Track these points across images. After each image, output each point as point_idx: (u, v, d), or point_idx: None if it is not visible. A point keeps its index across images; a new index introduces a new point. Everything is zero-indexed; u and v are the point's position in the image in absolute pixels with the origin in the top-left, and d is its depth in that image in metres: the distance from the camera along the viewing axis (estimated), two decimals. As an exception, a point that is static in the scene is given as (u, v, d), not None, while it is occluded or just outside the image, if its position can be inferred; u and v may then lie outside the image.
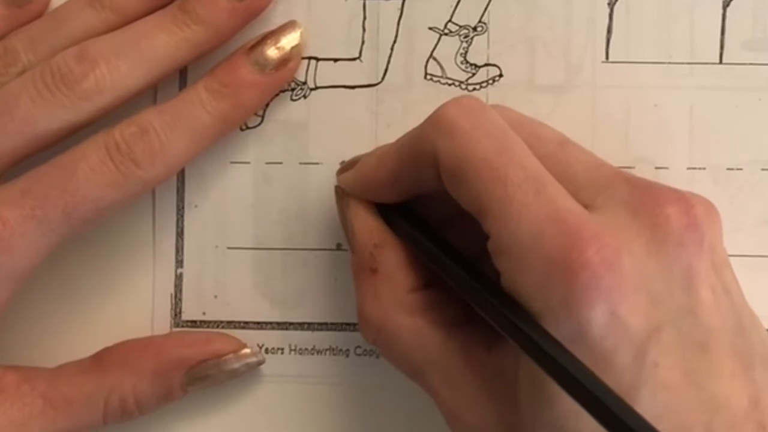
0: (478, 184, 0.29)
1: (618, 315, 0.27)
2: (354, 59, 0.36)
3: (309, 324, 0.36)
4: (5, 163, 0.33)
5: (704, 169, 0.36)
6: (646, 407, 0.27)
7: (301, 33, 0.35)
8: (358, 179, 0.34)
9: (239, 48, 0.35)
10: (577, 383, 0.26)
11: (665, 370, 0.27)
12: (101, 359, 0.35)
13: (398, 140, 0.33)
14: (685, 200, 0.29)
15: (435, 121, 0.31)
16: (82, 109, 0.33)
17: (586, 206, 0.29)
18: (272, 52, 0.35)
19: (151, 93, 0.36)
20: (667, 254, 0.28)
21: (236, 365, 0.35)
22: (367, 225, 0.33)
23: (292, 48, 0.35)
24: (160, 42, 0.33)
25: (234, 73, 0.34)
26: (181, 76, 0.36)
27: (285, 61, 0.35)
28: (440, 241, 0.32)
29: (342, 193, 0.34)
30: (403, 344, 0.32)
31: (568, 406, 0.27)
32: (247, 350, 0.36)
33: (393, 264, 0.32)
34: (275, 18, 0.36)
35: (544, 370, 0.27)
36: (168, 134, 0.33)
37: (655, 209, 0.29)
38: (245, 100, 0.34)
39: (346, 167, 0.35)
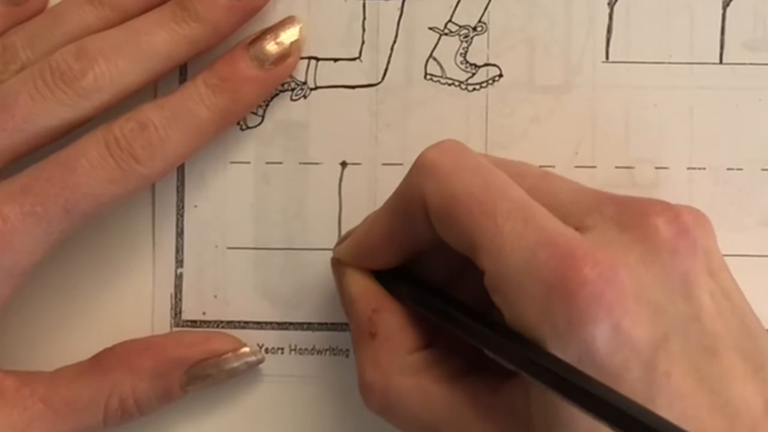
0: (468, 220, 0.29)
1: (622, 328, 0.27)
2: (354, 59, 0.36)
3: (309, 324, 0.36)
4: (5, 160, 0.33)
5: (704, 169, 0.36)
6: (664, 417, 0.26)
7: (301, 29, 0.35)
8: (352, 247, 0.33)
9: (238, 43, 0.35)
10: (592, 399, 0.26)
11: (678, 379, 0.27)
12: (100, 361, 0.35)
13: (386, 201, 0.32)
14: (671, 209, 0.29)
15: (418, 167, 0.31)
16: (81, 106, 0.33)
17: (576, 229, 0.29)
18: (272, 47, 0.35)
19: (151, 89, 0.36)
20: (662, 264, 0.28)
21: (235, 364, 0.35)
22: (365, 291, 0.33)
23: (292, 43, 0.35)
24: (160, 39, 0.33)
25: (233, 67, 0.34)
26: (180, 72, 0.36)
27: (284, 56, 0.35)
28: (438, 293, 0.32)
29: (338, 264, 0.34)
30: (408, 405, 0.31)
31: (585, 427, 0.27)
32: (246, 349, 0.36)
33: (392, 327, 0.32)
34: (275, 18, 0.36)
35: (559, 394, 0.26)
36: (167, 129, 0.33)
37: (643, 221, 0.29)
38: (244, 95, 0.34)
39: (341, 240, 0.35)
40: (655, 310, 0.28)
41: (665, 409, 0.27)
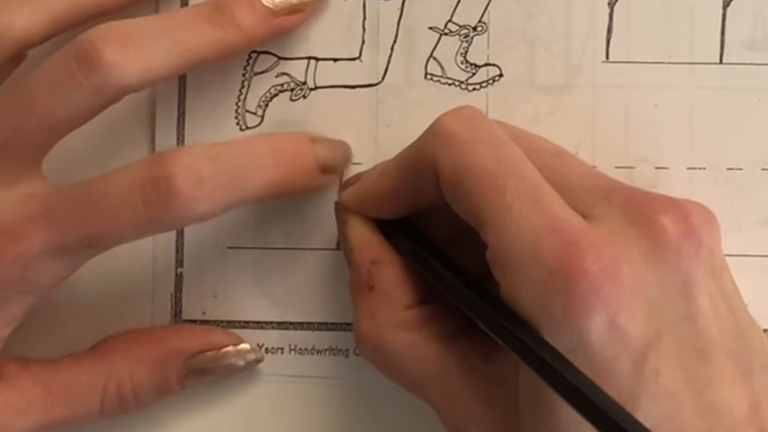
0: (477, 194, 0.29)
1: (617, 323, 0.27)
2: (354, 59, 0.36)
3: (309, 324, 0.36)
4: (33, 158, 0.33)
5: (704, 169, 0.36)
6: (646, 415, 0.27)
7: None
8: (359, 194, 0.34)
9: None
10: (577, 393, 0.26)
11: (665, 378, 0.27)
12: (100, 348, 0.35)
13: (399, 154, 0.33)
14: (681, 208, 0.29)
15: (434, 131, 0.31)
16: (105, 92, 0.32)
17: (583, 216, 0.29)
18: None
19: (150, 95, 0.36)
20: (665, 263, 0.28)
21: (234, 360, 0.35)
22: (366, 242, 0.33)
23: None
24: (193, 37, 0.33)
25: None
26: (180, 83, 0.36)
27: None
28: (440, 254, 0.32)
29: (342, 210, 0.34)
30: (400, 361, 0.32)
31: (569, 415, 0.27)
32: (245, 345, 0.36)
33: (390, 281, 0.32)
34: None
35: (545, 381, 0.27)
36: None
37: (652, 218, 0.29)
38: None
39: (346, 184, 0.35)
40: (652, 308, 0.28)
41: (649, 406, 0.27)
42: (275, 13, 0.34)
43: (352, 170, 0.36)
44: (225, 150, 0.32)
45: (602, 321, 0.27)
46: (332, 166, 0.35)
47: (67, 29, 0.34)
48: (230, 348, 0.35)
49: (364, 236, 0.33)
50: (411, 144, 0.32)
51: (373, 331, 0.32)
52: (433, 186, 0.31)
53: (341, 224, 0.34)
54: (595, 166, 0.34)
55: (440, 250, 0.32)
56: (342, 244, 0.34)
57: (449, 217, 0.31)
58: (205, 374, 0.35)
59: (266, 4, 0.34)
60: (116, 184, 0.31)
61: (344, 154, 0.36)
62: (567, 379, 0.26)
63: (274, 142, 0.34)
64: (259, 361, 0.36)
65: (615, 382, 0.27)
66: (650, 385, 0.27)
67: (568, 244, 0.27)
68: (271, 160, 0.33)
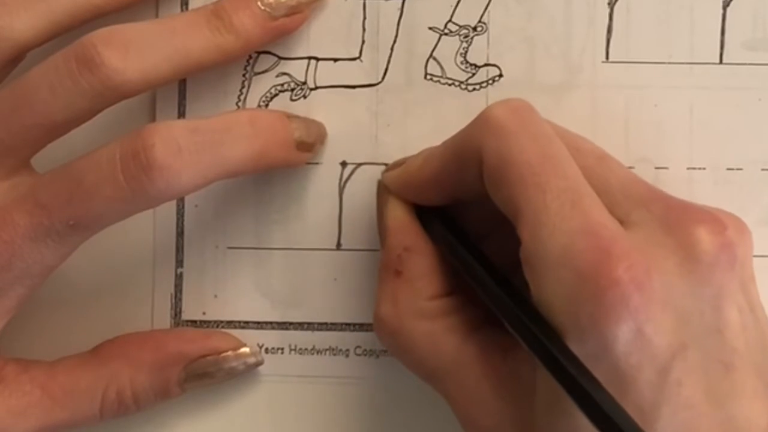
0: (518, 188, 0.29)
1: (644, 333, 0.27)
2: (354, 59, 0.36)
3: (309, 324, 0.36)
4: (27, 155, 0.33)
5: (704, 169, 0.36)
6: (666, 425, 0.27)
7: None
8: (402, 177, 0.34)
9: None
10: (594, 406, 0.26)
11: (687, 389, 0.27)
12: (100, 351, 0.35)
13: (445, 141, 0.33)
14: (719, 221, 0.29)
15: (482, 120, 0.31)
16: (104, 95, 0.32)
17: (620, 221, 0.29)
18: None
19: (150, 94, 0.36)
20: (699, 275, 0.28)
21: (234, 364, 0.35)
22: (401, 226, 0.33)
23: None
24: (193, 43, 0.33)
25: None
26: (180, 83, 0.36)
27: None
28: (472, 246, 0.32)
29: (383, 190, 0.34)
30: (416, 349, 0.32)
31: (586, 421, 0.27)
32: (246, 349, 0.36)
33: (418, 270, 0.32)
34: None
35: (564, 389, 0.27)
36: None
37: (689, 229, 0.29)
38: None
39: (392, 166, 0.35)
40: (681, 319, 0.28)
41: (669, 417, 0.27)
42: (274, 16, 0.34)
43: (351, 170, 0.36)
44: (204, 122, 0.32)
45: (629, 330, 0.27)
46: (307, 142, 0.35)
47: (66, 32, 0.34)
48: (230, 353, 0.35)
49: (400, 220, 0.33)
50: (458, 132, 0.32)
51: (393, 315, 0.32)
52: (476, 175, 0.30)
53: (381, 204, 0.34)
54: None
55: (473, 242, 0.32)
56: (378, 223, 0.34)
57: (485, 211, 0.31)
58: (205, 378, 0.35)
59: (264, 7, 0.34)
60: (97, 161, 0.31)
61: (318, 131, 0.36)
62: (586, 390, 0.26)
63: (252, 114, 0.34)
64: (259, 364, 0.36)
65: (637, 391, 0.27)
66: (672, 396, 0.27)
67: (601, 250, 0.27)
68: (250, 130, 0.33)
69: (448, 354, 0.31)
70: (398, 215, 0.33)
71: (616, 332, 0.27)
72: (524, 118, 0.30)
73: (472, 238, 0.32)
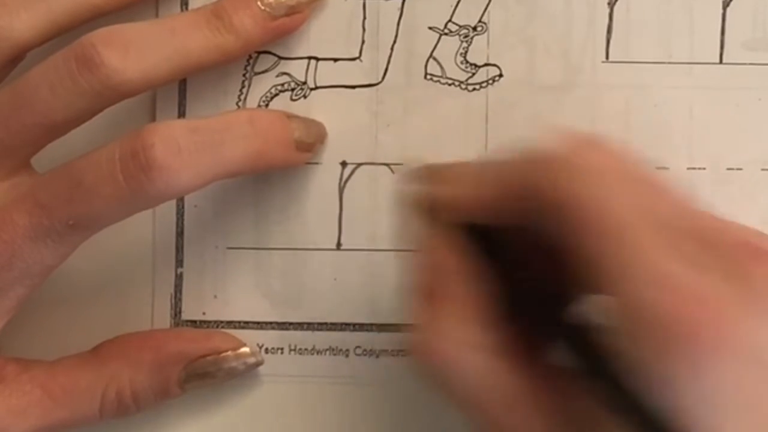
0: (601, 240, 0.26)
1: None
2: (354, 59, 0.36)
3: (309, 324, 0.36)
4: (27, 155, 0.33)
5: (704, 169, 0.36)
6: None
7: None
8: (452, 196, 0.30)
9: None
10: None
11: None
12: (100, 351, 0.35)
13: (504, 161, 0.28)
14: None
15: (565, 159, 0.27)
16: (104, 95, 0.32)
17: (705, 269, 0.26)
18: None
19: (150, 94, 0.36)
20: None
21: (234, 364, 0.35)
22: (447, 245, 0.29)
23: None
24: (193, 43, 0.33)
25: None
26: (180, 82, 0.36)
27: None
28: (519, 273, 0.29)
29: (419, 207, 0.30)
30: (459, 381, 0.28)
31: None
32: (246, 349, 0.36)
33: (466, 294, 0.28)
34: (275, 18, 0.36)
35: None
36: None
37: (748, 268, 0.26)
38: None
39: (422, 176, 0.31)
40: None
41: None
42: (274, 16, 0.34)
43: (351, 169, 0.36)
44: (204, 122, 0.32)
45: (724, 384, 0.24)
46: (307, 142, 0.35)
47: (66, 32, 0.34)
48: (230, 353, 0.35)
49: (446, 239, 0.29)
50: (525, 158, 0.28)
51: (435, 344, 0.28)
52: (538, 213, 0.27)
53: (422, 222, 0.30)
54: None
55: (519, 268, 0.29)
56: (412, 240, 0.30)
57: (526, 238, 0.28)
58: (205, 378, 0.35)
59: (264, 7, 0.34)
60: (97, 161, 0.31)
61: (318, 131, 0.36)
62: None
63: (252, 113, 0.34)
64: (259, 364, 0.36)
65: None
66: None
67: (688, 300, 0.25)
68: (249, 129, 0.33)
69: (494, 389, 0.28)
70: (442, 233, 0.29)
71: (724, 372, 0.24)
72: (613, 160, 0.27)
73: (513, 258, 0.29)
